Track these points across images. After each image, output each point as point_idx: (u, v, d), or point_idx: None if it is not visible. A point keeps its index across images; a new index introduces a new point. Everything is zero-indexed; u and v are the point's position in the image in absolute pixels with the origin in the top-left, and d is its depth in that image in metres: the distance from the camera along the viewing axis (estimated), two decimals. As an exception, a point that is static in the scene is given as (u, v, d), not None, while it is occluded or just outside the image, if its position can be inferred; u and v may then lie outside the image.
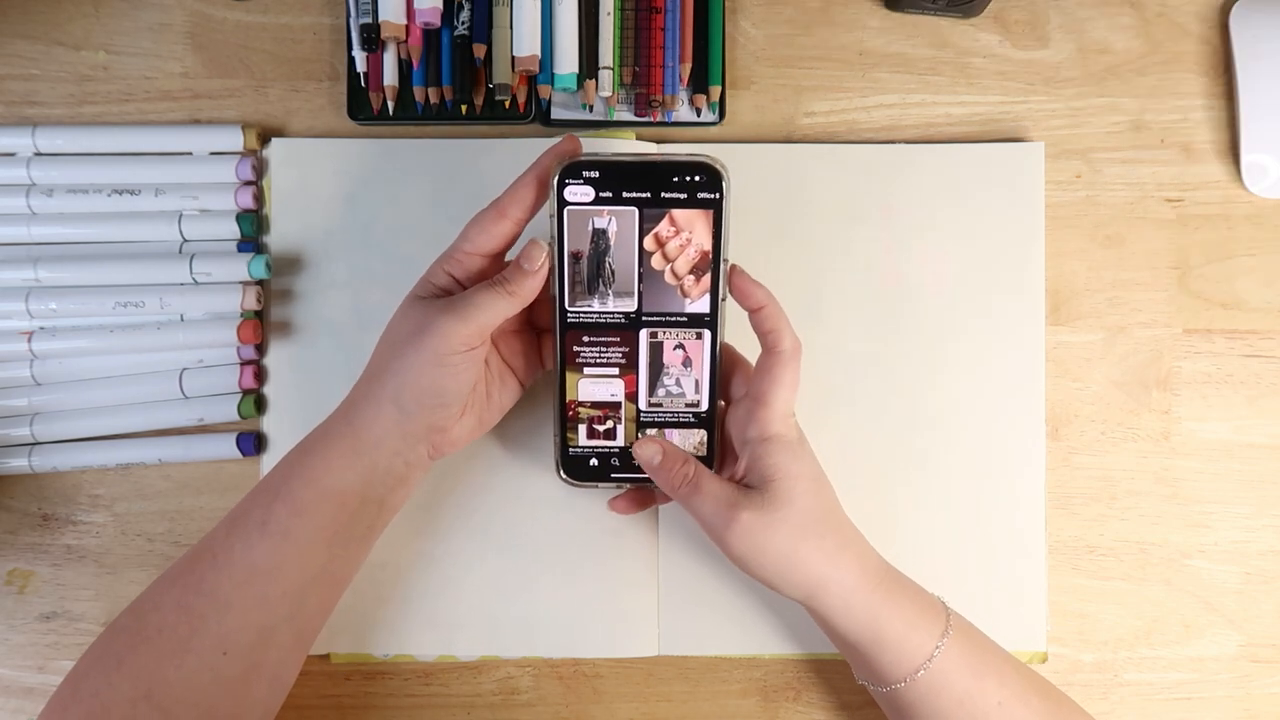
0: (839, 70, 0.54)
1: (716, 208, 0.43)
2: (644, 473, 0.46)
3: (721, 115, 0.53)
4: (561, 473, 0.47)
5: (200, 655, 0.40)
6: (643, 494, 0.49)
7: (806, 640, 0.51)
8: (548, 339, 0.47)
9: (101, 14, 0.53)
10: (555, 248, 0.43)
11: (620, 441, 0.46)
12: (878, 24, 0.54)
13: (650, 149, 0.52)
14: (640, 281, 0.44)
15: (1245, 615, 0.52)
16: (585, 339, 0.45)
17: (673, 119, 0.52)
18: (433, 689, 0.51)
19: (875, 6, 0.54)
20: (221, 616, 0.41)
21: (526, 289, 0.42)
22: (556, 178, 0.42)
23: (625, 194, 0.42)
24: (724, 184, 0.42)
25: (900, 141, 0.53)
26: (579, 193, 0.42)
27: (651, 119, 0.52)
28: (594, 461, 0.46)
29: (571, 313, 0.44)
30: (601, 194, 0.42)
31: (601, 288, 0.44)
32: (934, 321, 0.52)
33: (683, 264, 0.43)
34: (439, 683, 0.51)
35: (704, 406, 0.46)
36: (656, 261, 0.43)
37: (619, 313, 0.44)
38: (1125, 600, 0.52)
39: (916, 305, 0.52)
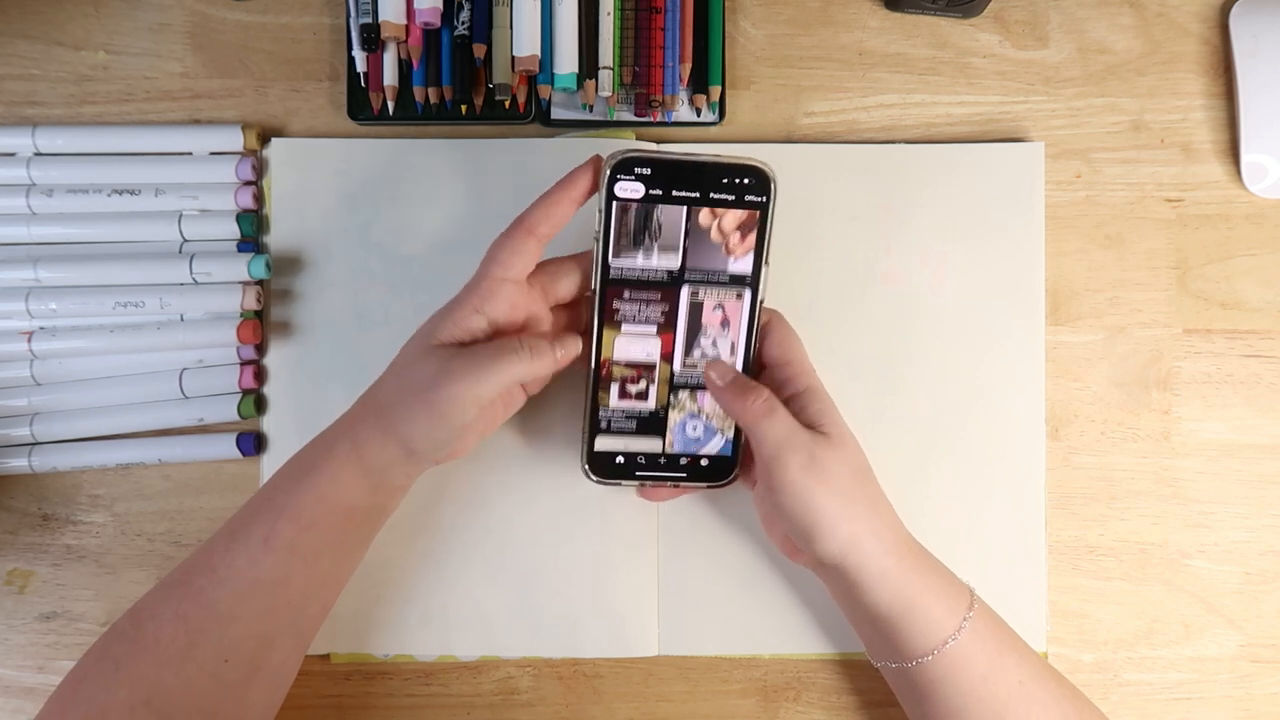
0: (839, 70, 0.54)
1: (763, 210, 0.43)
2: (668, 469, 0.46)
3: (721, 115, 0.53)
4: (587, 468, 0.46)
5: (201, 664, 0.40)
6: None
7: (806, 640, 0.51)
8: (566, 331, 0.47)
9: (101, 14, 0.53)
10: (601, 241, 0.43)
11: (652, 405, 0.46)
12: (878, 24, 0.54)
13: (651, 149, 0.52)
14: (684, 259, 0.44)
15: (1245, 615, 0.52)
16: (625, 296, 0.44)
17: (673, 119, 0.52)
18: (433, 689, 0.51)
19: (875, 6, 0.54)
20: (223, 628, 0.41)
21: (545, 369, 0.42)
22: (608, 171, 0.42)
23: (675, 192, 0.43)
24: (772, 188, 0.43)
25: (900, 141, 0.53)
26: (629, 188, 0.42)
27: (651, 119, 0.52)
28: (620, 459, 0.46)
29: (615, 268, 0.44)
30: (651, 191, 0.43)
31: (646, 244, 0.44)
32: (933, 321, 0.52)
33: (729, 222, 0.44)
34: (439, 683, 0.51)
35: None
36: (704, 220, 0.43)
37: (661, 270, 0.44)
38: (1125, 600, 0.52)
39: (916, 305, 0.52)
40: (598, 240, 0.43)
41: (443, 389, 0.40)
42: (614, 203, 0.43)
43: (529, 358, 0.41)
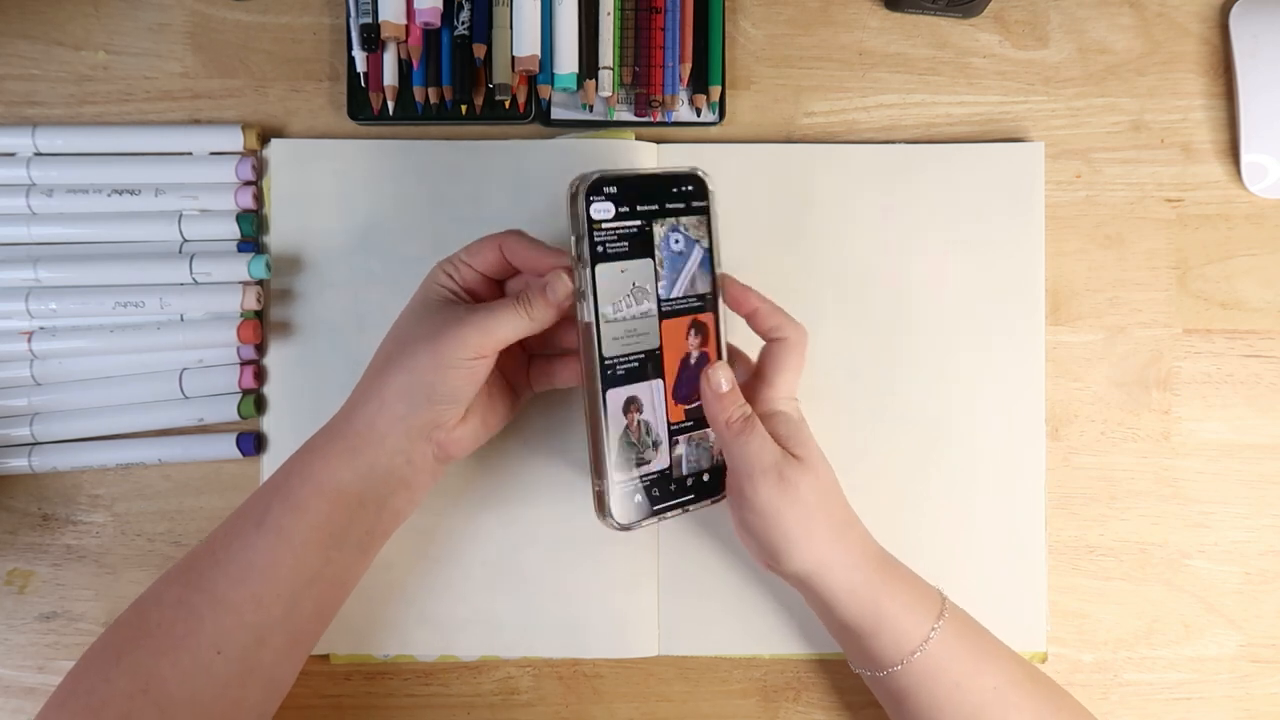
0: (839, 70, 0.54)
1: (707, 214, 0.44)
2: (678, 494, 0.45)
3: (721, 115, 0.53)
4: (612, 518, 0.44)
5: (195, 654, 0.40)
6: None
7: (806, 640, 0.51)
8: (538, 361, 0.48)
9: (101, 14, 0.53)
10: (588, 268, 0.42)
11: (662, 434, 0.45)
12: (878, 24, 0.54)
13: (651, 150, 0.52)
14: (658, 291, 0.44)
15: (1245, 615, 0.52)
16: (619, 351, 0.44)
17: (673, 119, 0.52)
18: (433, 689, 0.51)
19: (875, 6, 0.54)
20: (218, 615, 0.41)
21: (544, 317, 0.43)
22: (583, 195, 0.42)
23: (639, 207, 0.43)
24: (709, 191, 0.44)
25: (900, 141, 0.53)
26: (602, 209, 0.43)
27: (651, 119, 0.52)
28: (638, 498, 0.44)
29: (607, 319, 0.43)
30: (620, 209, 0.43)
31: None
32: (934, 322, 0.52)
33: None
34: (439, 683, 0.51)
35: None
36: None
37: (642, 313, 0.44)
38: (1125, 600, 0.52)
39: (916, 305, 0.52)
40: (576, 271, 0.42)
41: (447, 332, 0.42)
42: (593, 227, 0.42)
43: (526, 310, 0.43)
